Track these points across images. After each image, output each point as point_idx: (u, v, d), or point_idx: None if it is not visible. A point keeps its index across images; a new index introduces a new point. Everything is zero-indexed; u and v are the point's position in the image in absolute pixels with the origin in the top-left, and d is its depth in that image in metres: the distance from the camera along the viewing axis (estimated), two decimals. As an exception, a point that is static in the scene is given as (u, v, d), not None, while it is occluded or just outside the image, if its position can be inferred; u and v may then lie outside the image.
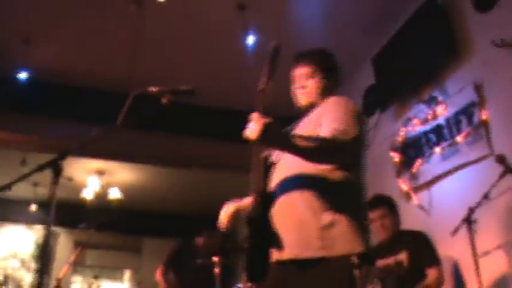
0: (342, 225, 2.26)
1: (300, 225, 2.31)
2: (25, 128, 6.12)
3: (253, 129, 2.18)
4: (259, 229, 2.27)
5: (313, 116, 2.54)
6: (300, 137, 2.30)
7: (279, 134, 2.26)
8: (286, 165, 2.48)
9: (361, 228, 2.31)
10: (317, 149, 2.27)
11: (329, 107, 2.47)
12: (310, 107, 2.62)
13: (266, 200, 2.34)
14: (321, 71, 2.66)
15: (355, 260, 2.20)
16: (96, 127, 2.65)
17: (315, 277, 2.23)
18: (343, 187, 2.36)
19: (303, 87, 2.66)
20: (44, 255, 2.35)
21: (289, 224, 2.33)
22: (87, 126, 5.31)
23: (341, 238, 2.25)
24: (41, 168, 2.30)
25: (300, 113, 2.69)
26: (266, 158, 2.53)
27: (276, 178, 2.50)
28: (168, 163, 7.66)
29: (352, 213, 2.30)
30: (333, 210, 2.29)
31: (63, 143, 5.76)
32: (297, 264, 2.29)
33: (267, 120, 2.19)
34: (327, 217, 2.28)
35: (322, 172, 2.36)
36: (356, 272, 2.18)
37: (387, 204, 4.35)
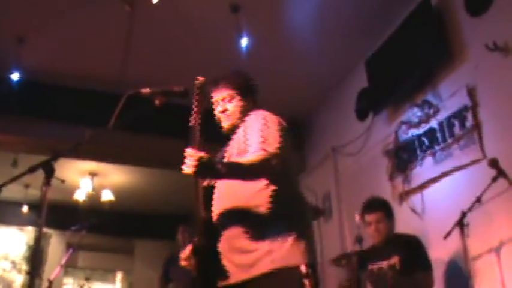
0: (286, 240, 2.32)
1: (246, 251, 2.36)
2: (16, 129, 6.09)
3: (189, 165, 2.20)
4: (205, 258, 2.35)
5: (238, 136, 2.61)
6: (232, 163, 2.40)
7: (213, 166, 2.26)
8: (222, 195, 2.54)
9: (306, 239, 2.38)
10: (250, 168, 2.33)
11: (250, 123, 2.55)
12: (233, 129, 2.69)
13: (209, 229, 2.42)
14: (239, 93, 2.73)
15: (303, 269, 2.28)
16: (89, 129, 2.64)
17: None
18: (279, 205, 2.41)
19: (223, 111, 2.71)
20: (36, 256, 2.31)
21: (235, 252, 2.39)
22: (80, 127, 5.32)
23: (287, 251, 2.31)
24: (32, 169, 2.28)
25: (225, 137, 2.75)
26: (208, 186, 2.55)
27: (215, 209, 2.53)
28: (160, 165, 7.64)
29: (294, 228, 2.37)
30: (276, 230, 2.35)
31: (55, 144, 5.75)
32: (247, 285, 2.34)
33: (200, 155, 2.19)
34: (271, 237, 2.33)
35: (256, 197, 2.42)
36: (306, 282, 2.25)
37: (383, 208, 4.35)
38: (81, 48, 5.72)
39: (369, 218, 4.29)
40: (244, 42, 4.91)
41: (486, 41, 4.04)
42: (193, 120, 2.41)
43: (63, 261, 5.00)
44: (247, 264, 2.34)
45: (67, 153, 2.55)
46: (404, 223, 4.66)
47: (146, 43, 5.51)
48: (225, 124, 2.72)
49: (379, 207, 4.35)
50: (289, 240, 2.32)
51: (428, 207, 4.73)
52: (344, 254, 4.65)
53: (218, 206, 2.52)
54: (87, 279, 11.29)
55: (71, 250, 5.07)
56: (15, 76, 5.67)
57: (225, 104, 2.71)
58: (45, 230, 9.46)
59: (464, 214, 3.62)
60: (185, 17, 5.21)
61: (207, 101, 2.54)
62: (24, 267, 9.50)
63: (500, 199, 3.72)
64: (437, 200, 4.63)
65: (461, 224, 3.60)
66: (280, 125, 2.52)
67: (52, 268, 7.53)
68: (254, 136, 2.44)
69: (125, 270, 11.36)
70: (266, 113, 2.57)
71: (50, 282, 4.79)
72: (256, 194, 2.41)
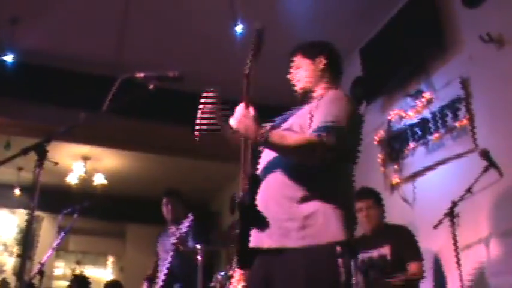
0: (325, 213, 2.25)
1: (281, 214, 2.30)
2: (10, 111, 6.07)
3: (235, 118, 2.27)
4: (249, 215, 2.28)
5: (308, 107, 2.51)
6: (276, 136, 2.30)
7: (256, 132, 2.26)
8: (269, 156, 2.48)
9: (346, 217, 2.29)
10: (292, 150, 2.29)
11: (326, 101, 2.44)
12: (306, 94, 2.63)
13: (255, 184, 2.34)
14: (307, 57, 2.68)
15: (338, 249, 2.19)
16: (83, 112, 2.63)
17: (297, 266, 2.21)
18: (329, 174, 2.34)
19: (294, 77, 2.70)
20: (27, 239, 2.32)
21: (271, 212, 2.30)
22: (74, 110, 5.27)
23: (323, 227, 2.23)
24: (25, 151, 2.28)
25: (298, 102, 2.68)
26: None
27: (262, 161, 2.51)
28: (153, 150, 7.65)
29: (336, 202, 2.29)
30: (316, 198, 2.28)
31: (48, 127, 5.73)
32: (279, 253, 2.27)
33: (247, 114, 2.27)
34: (309, 206, 2.27)
35: (302, 171, 2.35)
36: (340, 262, 2.17)
37: (374, 196, 4.41)
38: (76, 30, 5.68)
39: (360, 204, 4.33)
40: (238, 28, 4.90)
41: (481, 32, 4.04)
42: (247, 68, 2.35)
43: (55, 244, 4.99)
44: (278, 233, 2.28)
45: (60, 135, 2.55)
46: (396, 212, 4.69)
47: (142, 27, 5.49)
48: (297, 88, 2.69)
49: (370, 194, 4.42)
50: (326, 215, 2.25)
51: (420, 197, 4.76)
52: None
53: (265, 158, 2.50)
54: (78, 262, 11.29)
55: (62, 233, 5.05)
56: (8, 58, 5.64)
57: (295, 71, 2.71)
58: (37, 213, 9.46)
59: (454, 204, 3.65)
60: (181, 2, 5.20)
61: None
62: (16, 249, 9.51)
63: (491, 190, 3.75)
64: (428, 190, 4.66)
65: (451, 214, 3.64)
66: (353, 114, 2.42)
67: (44, 251, 7.53)
68: (320, 117, 2.34)
69: (116, 254, 11.37)
70: (345, 97, 2.47)
71: (42, 265, 4.78)
72: (303, 169, 2.33)
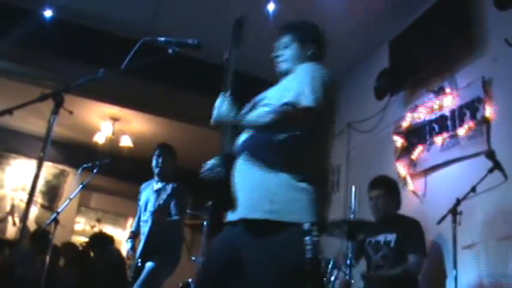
0: (298, 191, 2.30)
1: (253, 186, 2.35)
2: (44, 65, 6.21)
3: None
4: (223, 189, 2.41)
5: (283, 82, 2.60)
6: (253, 115, 2.41)
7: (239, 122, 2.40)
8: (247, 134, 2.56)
9: (319, 196, 2.33)
10: (270, 123, 2.36)
11: (298, 72, 2.52)
12: (287, 74, 2.65)
13: (231, 160, 2.47)
14: (298, 41, 2.71)
15: (307, 227, 2.22)
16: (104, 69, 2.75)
17: (263, 241, 2.27)
18: (303, 151, 2.39)
19: (279, 56, 2.73)
20: (34, 184, 2.44)
21: (244, 185, 2.39)
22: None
23: (294, 204, 2.28)
24: (43, 97, 2.40)
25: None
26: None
27: (240, 138, 2.58)
28: (181, 118, 7.74)
29: (310, 180, 2.33)
30: (291, 174, 2.32)
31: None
32: (247, 225, 2.33)
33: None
34: (283, 181, 2.32)
35: (277, 146, 2.41)
36: (307, 241, 2.21)
37: (385, 186, 4.48)
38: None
39: (371, 193, 4.45)
40: (271, 7, 4.94)
41: (507, 35, 4.04)
42: (227, 54, 2.48)
43: (72, 195, 5.14)
44: (247, 203, 2.34)
45: (77, 87, 2.65)
46: (405, 205, 4.71)
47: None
48: (279, 69, 2.72)
49: (380, 184, 4.49)
50: (298, 192, 2.29)
51: (430, 192, 4.80)
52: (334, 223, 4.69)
53: (243, 135, 2.56)
54: (99, 220, 11.49)
55: (80, 186, 5.20)
56: (48, 13, 5.74)
57: (281, 50, 2.72)
58: (63, 167, 9.71)
59: (458, 202, 3.67)
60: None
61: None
62: (40, 200, 9.74)
63: (494, 192, 3.76)
64: (439, 186, 4.69)
65: (454, 212, 3.66)
66: (326, 84, 2.42)
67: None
68: (295, 85, 2.42)
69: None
70: (317, 65, 2.53)
71: (57, 214, 4.92)
72: (279, 144, 2.40)
